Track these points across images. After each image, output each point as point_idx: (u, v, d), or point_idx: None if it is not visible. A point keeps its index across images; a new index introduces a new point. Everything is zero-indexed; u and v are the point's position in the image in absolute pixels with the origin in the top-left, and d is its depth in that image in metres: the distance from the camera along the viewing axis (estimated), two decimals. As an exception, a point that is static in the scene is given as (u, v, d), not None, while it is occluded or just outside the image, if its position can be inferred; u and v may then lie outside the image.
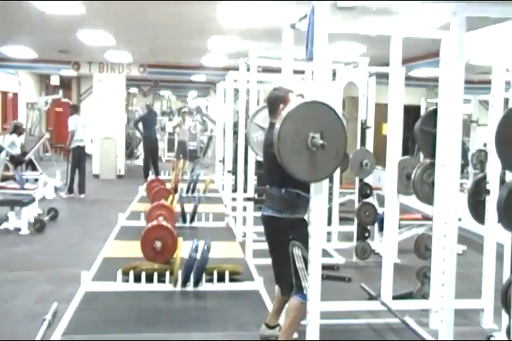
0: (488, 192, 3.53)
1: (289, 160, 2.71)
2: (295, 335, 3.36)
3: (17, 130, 9.28)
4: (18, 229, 6.42)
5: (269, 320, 3.41)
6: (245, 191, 5.86)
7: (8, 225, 6.49)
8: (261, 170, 8.42)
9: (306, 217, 3.13)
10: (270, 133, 3.06)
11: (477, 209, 3.59)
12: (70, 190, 9.11)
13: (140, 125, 11.96)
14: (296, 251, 3.04)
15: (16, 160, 8.96)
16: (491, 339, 3.41)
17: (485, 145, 8.48)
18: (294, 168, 2.73)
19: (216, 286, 4.34)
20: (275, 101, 3.21)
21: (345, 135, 2.78)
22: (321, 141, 2.64)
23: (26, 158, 9.21)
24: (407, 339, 3.51)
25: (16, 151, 9.09)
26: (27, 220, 6.48)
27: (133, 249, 4.85)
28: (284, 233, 3.10)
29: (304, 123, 2.70)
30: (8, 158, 8.83)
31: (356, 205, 5.54)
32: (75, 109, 9.87)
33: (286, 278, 3.10)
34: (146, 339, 3.42)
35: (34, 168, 9.43)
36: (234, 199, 7.16)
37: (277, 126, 2.71)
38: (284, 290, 3.23)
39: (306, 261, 2.99)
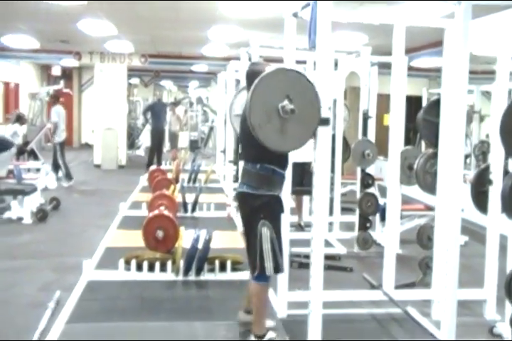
0: (491, 182, 3.52)
1: (261, 131, 2.73)
2: (271, 323, 3.37)
3: (19, 120, 9.28)
4: (21, 218, 6.44)
5: (246, 306, 3.39)
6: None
7: (11, 214, 6.51)
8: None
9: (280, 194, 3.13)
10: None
11: (480, 199, 3.59)
12: (69, 177, 9.14)
13: (148, 114, 11.94)
14: (265, 231, 2.99)
15: (18, 150, 8.95)
16: (494, 329, 3.42)
17: (487, 136, 8.49)
18: (268, 138, 2.75)
19: (218, 276, 4.35)
20: (254, 76, 3.03)
21: (317, 100, 2.78)
22: (291, 106, 2.66)
23: (28, 147, 9.21)
24: (409, 329, 3.52)
25: (18, 141, 9.09)
26: (29, 209, 6.50)
27: (135, 239, 4.86)
28: (256, 211, 3.04)
29: (273, 91, 2.73)
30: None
31: (358, 195, 5.53)
32: (56, 99, 9.60)
33: (253, 256, 3.05)
34: (148, 327, 3.43)
35: (36, 158, 9.43)
36: (235, 189, 7.15)
37: (248, 97, 2.74)
38: (251, 268, 3.15)
39: (273, 242, 3.00)
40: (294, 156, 5.76)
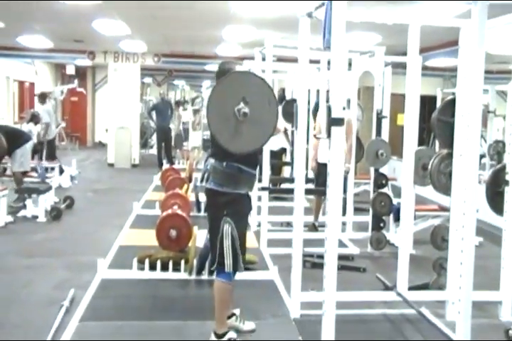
0: (507, 183, 3.49)
1: (222, 136, 2.84)
2: (252, 326, 3.39)
3: (34, 119, 9.34)
4: (36, 217, 6.51)
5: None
6: (260, 181, 5.85)
7: (26, 213, 6.59)
8: (275, 160, 8.47)
9: (248, 193, 3.16)
10: None
11: (495, 200, 3.57)
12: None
13: (153, 114, 11.98)
14: (226, 228, 3.02)
15: (33, 149, 9.03)
16: (510, 331, 3.38)
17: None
18: (228, 141, 2.85)
19: (231, 275, 4.35)
20: (223, 75, 3.04)
21: (274, 103, 2.87)
22: (245, 109, 2.74)
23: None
24: (423, 331, 3.50)
25: (33, 140, 9.15)
26: (44, 208, 6.57)
27: (148, 238, 4.87)
28: (220, 208, 3.06)
29: (230, 94, 2.80)
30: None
31: (371, 195, 5.51)
32: (43, 98, 9.41)
33: (214, 252, 3.10)
34: (161, 326, 3.44)
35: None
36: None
37: (208, 97, 2.85)
38: (210, 265, 3.22)
39: (233, 240, 3.02)
40: (322, 157, 5.81)
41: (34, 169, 7.54)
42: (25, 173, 7.13)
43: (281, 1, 5.95)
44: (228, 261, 3.03)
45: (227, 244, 3.02)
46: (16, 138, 6.90)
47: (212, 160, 3.17)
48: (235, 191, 3.07)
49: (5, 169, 7.39)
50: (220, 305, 3.16)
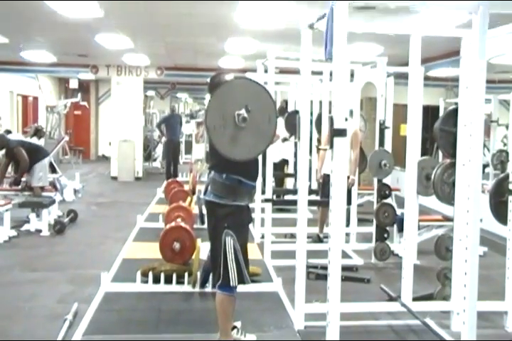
0: (510, 192, 3.48)
1: (215, 133, 2.80)
2: (254, 338, 3.38)
3: (37, 133, 9.37)
4: (39, 231, 6.51)
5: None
6: (263, 193, 5.86)
7: (30, 227, 6.59)
8: (277, 171, 8.47)
9: (248, 204, 3.15)
10: None
11: (499, 209, 3.56)
12: None
13: (163, 127, 12.03)
14: (229, 241, 3.00)
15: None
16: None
17: (505, 145, 8.41)
18: (220, 142, 2.82)
19: (235, 287, 4.33)
20: (216, 87, 3.00)
21: (275, 119, 2.88)
22: (244, 115, 2.74)
23: (46, 160, 9.28)
24: (428, 341, 3.48)
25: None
26: (47, 222, 6.56)
27: (152, 251, 4.87)
28: (221, 220, 3.04)
29: (235, 98, 2.81)
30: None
31: (375, 206, 5.50)
32: None
33: (218, 265, 3.06)
34: (166, 339, 3.43)
35: (54, 171, 9.51)
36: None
37: (205, 107, 2.83)
38: (214, 280, 3.18)
39: (236, 253, 3.00)
40: (327, 168, 5.83)
41: (52, 184, 7.59)
42: (43, 188, 7.10)
43: (284, 13, 5.99)
44: (233, 275, 3.02)
45: (230, 257, 3.00)
46: (34, 154, 6.88)
47: (211, 172, 3.16)
48: (234, 203, 3.06)
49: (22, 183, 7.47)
50: (224, 317, 3.15)
